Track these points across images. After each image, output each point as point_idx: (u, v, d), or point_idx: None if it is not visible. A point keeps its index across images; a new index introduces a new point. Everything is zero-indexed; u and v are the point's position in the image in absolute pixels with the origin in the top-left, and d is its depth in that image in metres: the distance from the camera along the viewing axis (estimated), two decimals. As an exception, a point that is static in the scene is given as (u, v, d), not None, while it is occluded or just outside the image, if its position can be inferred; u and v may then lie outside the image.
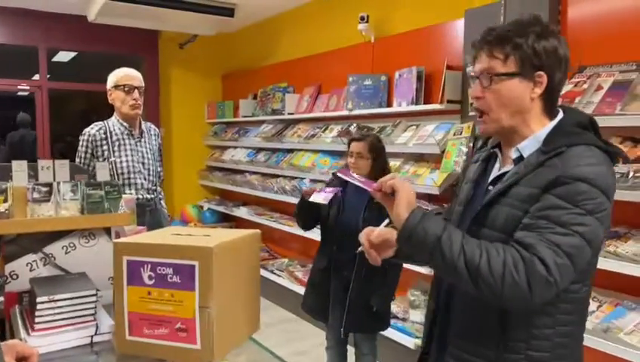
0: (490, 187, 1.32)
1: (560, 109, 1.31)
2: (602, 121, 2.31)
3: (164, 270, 1.28)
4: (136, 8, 4.73)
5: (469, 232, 1.25)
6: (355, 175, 1.42)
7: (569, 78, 2.63)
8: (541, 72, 1.23)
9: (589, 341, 2.25)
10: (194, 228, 1.52)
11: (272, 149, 5.23)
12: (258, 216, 5.33)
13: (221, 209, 6.16)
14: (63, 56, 6.58)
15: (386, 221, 1.39)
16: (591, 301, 2.40)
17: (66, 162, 1.81)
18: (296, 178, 4.72)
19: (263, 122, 5.48)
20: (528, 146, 1.27)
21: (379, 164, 2.68)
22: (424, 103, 3.54)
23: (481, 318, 1.27)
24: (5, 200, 1.61)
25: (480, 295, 1.16)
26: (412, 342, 3.33)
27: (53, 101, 5.75)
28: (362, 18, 4.08)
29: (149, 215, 2.81)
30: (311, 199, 2.55)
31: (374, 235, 1.38)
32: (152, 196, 2.92)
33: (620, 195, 2.19)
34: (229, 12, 5.07)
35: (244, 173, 5.66)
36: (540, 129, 1.27)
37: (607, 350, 2.21)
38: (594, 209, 1.14)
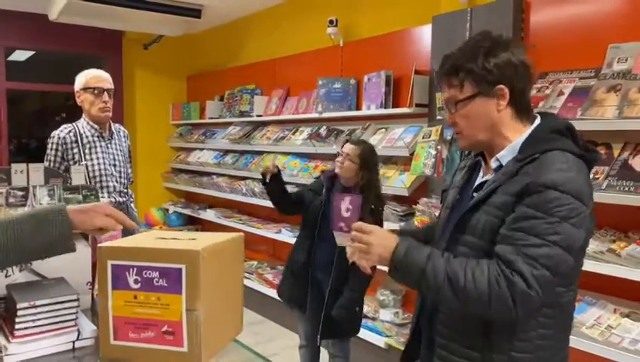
0: (475, 194, 1.37)
1: (538, 115, 1.36)
2: (564, 126, 2.44)
3: (150, 274, 1.28)
4: (101, 8, 4.63)
5: (452, 238, 1.32)
6: (345, 207, 1.42)
7: (532, 82, 2.74)
8: (500, 86, 1.29)
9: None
10: (178, 232, 1.52)
11: (240, 151, 5.22)
12: (226, 218, 5.31)
13: (187, 212, 6.10)
14: (19, 55, 6.38)
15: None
16: (554, 297, 2.52)
17: (41, 166, 1.78)
18: (265, 180, 4.72)
19: (230, 124, 5.45)
20: (506, 155, 1.33)
21: (365, 175, 2.69)
22: (393, 107, 3.62)
23: (466, 320, 1.32)
24: (-21, 205, 1.57)
25: (468, 311, 1.24)
26: (382, 341, 3.39)
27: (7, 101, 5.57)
28: (331, 22, 4.13)
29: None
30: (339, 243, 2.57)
31: None
32: (124, 199, 2.88)
33: (581, 196, 2.31)
34: (196, 13, 5.03)
35: (211, 175, 5.62)
36: (516, 136, 1.33)
37: (570, 344, 2.32)
38: (567, 215, 1.18)
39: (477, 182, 1.40)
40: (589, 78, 2.54)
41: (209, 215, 5.63)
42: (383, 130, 3.72)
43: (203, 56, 6.33)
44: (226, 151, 5.47)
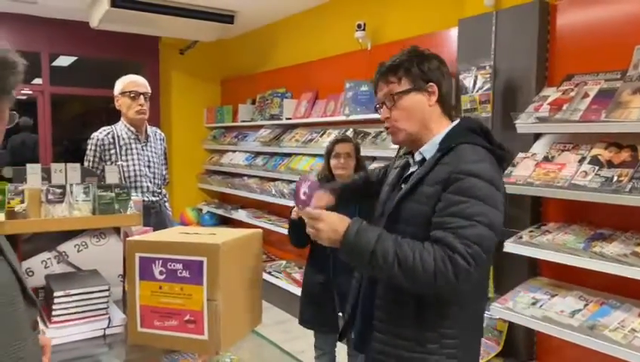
0: (403, 186, 1.53)
1: (459, 118, 1.57)
2: (588, 128, 2.43)
3: (174, 266, 1.38)
4: (139, 15, 4.83)
5: (386, 228, 1.44)
6: (303, 190, 1.50)
7: (557, 85, 2.74)
8: (431, 83, 1.50)
9: (575, 338, 2.37)
10: (200, 228, 1.61)
11: (270, 153, 5.33)
12: (256, 218, 5.42)
13: (220, 212, 6.25)
14: (63, 61, 6.67)
15: None
16: (578, 299, 2.51)
17: (78, 165, 1.90)
18: (294, 181, 4.81)
19: (261, 127, 5.58)
20: (428, 150, 1.52)
21: (361, 164, 2.80)
22: (419, 109, 3.64)
23: (400, 304, 1.47)
24: (22, 202, 1.70)
25: (415, 289, 1.39)
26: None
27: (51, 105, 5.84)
28: (359, 26, 4.19)
29: (153, 216, 2.91)
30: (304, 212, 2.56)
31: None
32: (157, 198, 3.01)
33: (605, 198, 2.29)
34: (229, 19, 5.18)
35: (243, 177, 5.75)
36: (439, 131, 1.52)
37: (592, 346, 2.30)
38: (486, 197, 1.36)
39: (406, 175, 1.59)
40: (615, 80, 2.52)
41: (241, 215, 5.76)
42: (410, 132, 3.75)
43: (236, 61, 6.48)
44: (257, 154, 5.59)
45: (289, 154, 4.99)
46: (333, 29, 4.80)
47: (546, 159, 2.63)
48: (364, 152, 3.05)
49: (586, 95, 2.58)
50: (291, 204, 4.73)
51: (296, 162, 4.78)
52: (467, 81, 3.19)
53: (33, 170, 1.82)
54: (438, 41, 3.64)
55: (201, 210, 6.50)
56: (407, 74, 1.50)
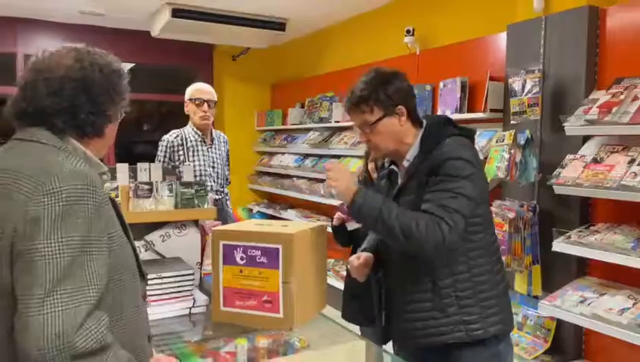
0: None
1: (424, 119, 1.83)
2: (639, 130, 2.48)
3: (253, 252, 1.57)
4: (196, 24, 5.12)
5: None
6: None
7: (607, 88, 2.80)
8: (399, 106, 1.74)
9: (624, 335, 2.42)
10: (272, 221, 1.80)
11: (319, 155, 5.50)
12: (305, 218, 5.61)
13: (269, 211, 6.48)
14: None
15: (363, 246, 1.99)
16: (627, 298, 2.56)
17: (159, 165, 2.13)
18: (343, 182, 4.97)
19: (310, 130, 5.76)
20: (412, 153, 1.78)
21: None
22: (467, 112, 3.74)
23: (416, 284, 1.72)
24: (116, 196, 1.93)
25: (407, 248, 1.63)
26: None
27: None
28: (408, 31, 4.32)
29: (217, 213, 3.13)
30: (350, 228, 2.81)
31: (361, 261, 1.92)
32: (220, 197, 3.25)
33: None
34: (280, 26, 5.41)
35: (292, 178, 5.95)
36: (415, 140, 1.78)
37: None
38: (468, 175, 1.64)
39: (398, 187, 1.81)
40: (666, 83, 2.57)
41: (290, 215, 5.96)
42: (458, 134, 3.85)
43: (286, 66, 6.72)
44: (306, 155, 5.78)
45: (337, 156, 5.15)
46: (382, 34, 4.94)
47: (595, 161, 2.70)
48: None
49: (635, 98, 2.63)
50: (338, 203, 4.89)
51: (344, 164, 4.93)
52: (516, 84, 3.26)
53: (122, 169, 2.06)
54: (486, 45, 3.73)
55: (251, 209, 6.75)
56: (377, 103, 1.73)
